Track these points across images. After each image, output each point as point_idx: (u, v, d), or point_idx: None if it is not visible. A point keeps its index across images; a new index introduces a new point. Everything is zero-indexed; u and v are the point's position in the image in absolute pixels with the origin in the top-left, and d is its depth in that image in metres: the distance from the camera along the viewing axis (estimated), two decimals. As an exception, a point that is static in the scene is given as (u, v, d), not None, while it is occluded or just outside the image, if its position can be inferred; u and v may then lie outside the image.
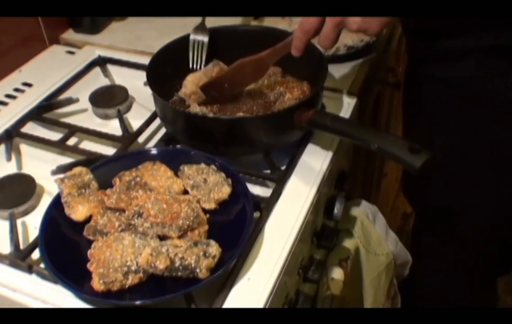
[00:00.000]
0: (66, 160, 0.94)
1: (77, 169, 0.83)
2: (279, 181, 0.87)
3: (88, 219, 0.77)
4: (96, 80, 1.18)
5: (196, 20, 1.08)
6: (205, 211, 0.79)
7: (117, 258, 0.68)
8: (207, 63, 1.07)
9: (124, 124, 1.01)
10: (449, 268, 1.20)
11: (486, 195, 1.05)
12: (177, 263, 0.68)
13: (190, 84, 1.02)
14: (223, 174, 0.83)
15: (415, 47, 1.09)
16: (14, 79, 1.18)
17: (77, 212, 0.77)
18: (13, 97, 1.11)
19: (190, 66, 1.07)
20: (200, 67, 1.07)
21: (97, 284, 0.66)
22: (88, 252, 0.71)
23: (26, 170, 0.95)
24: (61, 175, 0.83)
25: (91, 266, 0.69)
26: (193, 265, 0.68)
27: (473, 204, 1.07)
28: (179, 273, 0.68)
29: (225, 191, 0.80)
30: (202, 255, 0.68)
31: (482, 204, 1.06)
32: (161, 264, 0.67)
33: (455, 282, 1.21)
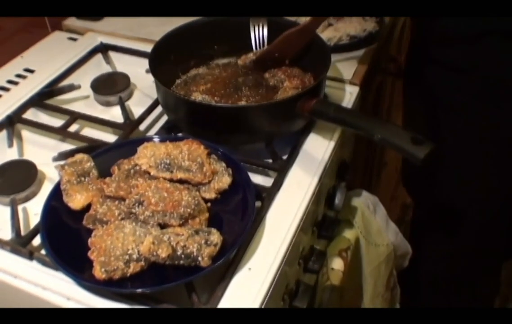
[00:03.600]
0: (67, 146, 0.94)
1: (79, 156, 0.82)
2: (281, 171, 0.87)
3: (88, 208, 0.77)
4: (98, 67, 1.17)
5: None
6: (205, 200, 0.79)
7: (118, 246, 0.68)
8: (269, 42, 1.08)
9: (125, 112, 1.00)
10: (450, 259, 1.21)
11: (490, 185, 1.04)
12: (179, 252, 0.68)
13: None
14: (223, 164, 0.82)
15: (422, 29, 1.08)
16: (16, 65, 1.17)
17: (75, 200, 0.77)
18: (15, 83, 1.11)
19: (253, 48, 1.09)
20: (262, 46, 1.09)
21: (98, 272, 0.66)
22: (89, 240, 0.71)
23: (28, 156, 0.94)
24: (62, 162, 0.82)
25: (92, 254, 0.69)
26: (195, 254, 0.67)
27: (477, 195, 1.06)
28: (181, 262, 0.68)
29: (225, 181, 0.80)
30: (203, 243, 0.68)
31: (486, 195, 1.06)
32: (163, 253, 0.67)
33: (455, 273, 1.22)
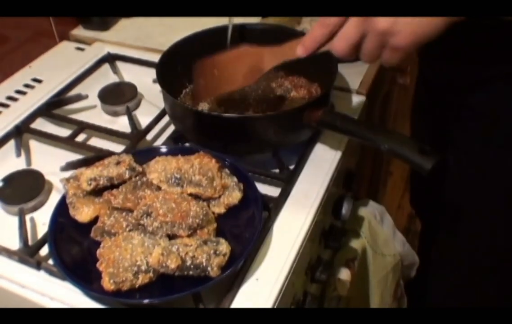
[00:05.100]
0: (75, 156, 0.94)
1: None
2: (288, 181, 0.87)
3: (95, 219, 0.77)
4: (105, 76, 1.18)
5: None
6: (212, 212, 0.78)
7: (127, 257, 0.68)
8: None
9: (132, 121, 1.01)
10: (458, 270, 1.20)
11: (501, 197, 1.04)
12: (188, 262, 0.68)
13: None
14: (235, 179, 0.82)
15: (433, 73, 1.08)
16: (24, 74, 1.18)
17: (82, 213, 0.77)
18: (23, 93, 1.12)
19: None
20: None
21: (107, 283, 0.66)
22: (98, 251, 0.71)
23: (35, 166, 0.95)
24: (67, 175, 0.82)
25: (100, 265, 0.69)
26: (204, 264, 0.67)
27: (487, 207, 1.05)
28: (190, 272, 0.68)
29: (235, 196, 0.80)
30: (212, 253, 0.68)
31: (496, 207, 1.05)
32: (172, 264, 0.67)
33: (464, 284, 1.20)
